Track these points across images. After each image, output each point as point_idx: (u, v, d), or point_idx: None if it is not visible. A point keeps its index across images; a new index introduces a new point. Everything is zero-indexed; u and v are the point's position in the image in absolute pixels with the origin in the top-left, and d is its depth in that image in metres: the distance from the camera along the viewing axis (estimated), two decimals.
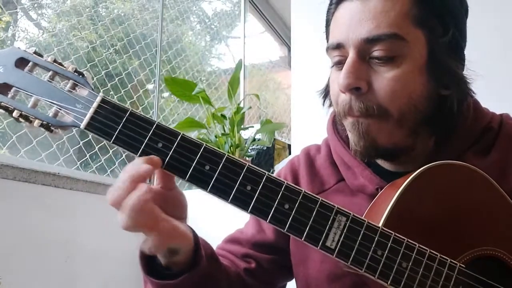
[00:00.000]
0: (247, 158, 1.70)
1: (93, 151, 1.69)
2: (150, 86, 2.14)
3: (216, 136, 1.65)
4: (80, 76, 0.53)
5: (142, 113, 0.52)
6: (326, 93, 0.71)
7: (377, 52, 0.57)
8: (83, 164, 1.62)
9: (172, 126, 1.73)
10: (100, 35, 1.91)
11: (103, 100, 0.52)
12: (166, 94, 2.28)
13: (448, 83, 0.60)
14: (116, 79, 1.88)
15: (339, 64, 0.62)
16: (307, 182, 0.73)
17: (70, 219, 1.41)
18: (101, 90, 1.79)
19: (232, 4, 3.07)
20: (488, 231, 0.54)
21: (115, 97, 1.87)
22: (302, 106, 1.62)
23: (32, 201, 1.29)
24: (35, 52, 0.54)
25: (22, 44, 1.69)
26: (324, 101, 0.72)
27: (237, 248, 0.76)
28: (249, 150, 1.84)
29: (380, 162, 0.68)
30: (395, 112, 0.58)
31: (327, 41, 0.70)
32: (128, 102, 1.93)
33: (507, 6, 1.31)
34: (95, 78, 1.77)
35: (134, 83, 1.98)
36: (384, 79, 0.57)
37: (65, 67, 0.54)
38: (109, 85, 1.84)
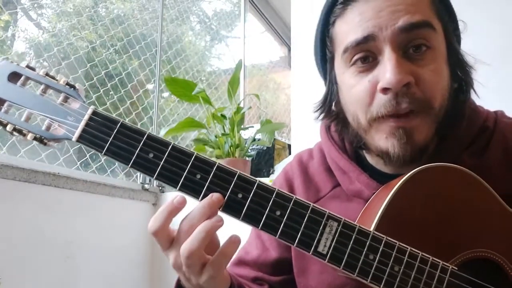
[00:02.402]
0: (247, 158, 1.70)
1: (93, 151, 1.69)
2: (150, 86, 2.14)
3: (216, 136, 1.65)
4: (72, 88, 0.54)
5: (133, 124, 0.53)
6: (326, 104, 0.68)
7: (415, 41, 0.56)
8: (83, 164, 1.62)
9: (172, 126, 1.72)
10: (100, 35, 1.91)
11: (94, 112, 0.53)
12: (166, 94, 2.28)
13: (461, 75, 0.62)
14: (116, 79, 1.88)
15: (365, 60, 0.58)
16: (303, 191, 0.72)
17: (70, 219, 1.41)
18: (101, 90, 1.79)
19: (232, 4, 3.07)
20: (481, 233, 0.54)
21: (115, 97, 1.87)
22: (302, 106, 1.62)
23: (32, 201, 1.29)
24: (27, 66, 0.55)
25: (22, 44, 1.69)
26: (321, 112, 0.69)
27: (247, 271, 0.75)
28: (249, 150, 1.84)
29: (377, 165, 0.67)
30: (437, 105, 0.58)
31: (323, 48, 0.66)
32: (128, 102, 1.93)
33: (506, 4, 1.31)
34: (95, 78, 1.77)
35: (134, 83, 1.98)
36: (428, 71, 0.56)
37: (57, 80, 0.55)
38: (109, 85, 1.84)
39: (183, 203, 0.51)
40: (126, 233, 1.60)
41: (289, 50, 3.11)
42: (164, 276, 1.70)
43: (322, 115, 0.70)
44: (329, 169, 0.72)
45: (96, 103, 1.76)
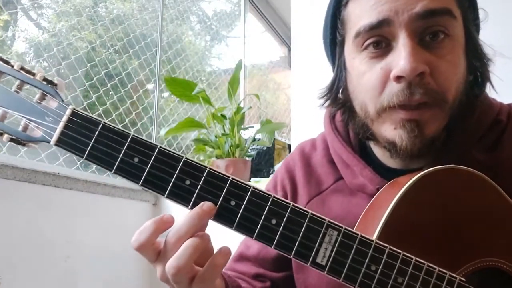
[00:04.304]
0: (247, 158, 1.70)
1: None
2: (150, 86, 2.14)
3: (216, 136, 1.65)
4: (49, 85, 0.49)
5: (116, 126, 0.49)
6: (332, 90, 0.65)
7: (433, 28, 0.52)
8: (83, 164, 1.62)
9: (172, 126, 1.71)
10: (100, 35, 1.90)
11: (72, 113, 0.48)
12: (166, 94, 2.28)
13: (478, 67, 0.58)
14: (116, 79, 1.88)
15: (377, 45, 0.55)
16: (304, 184, 0.70)
17: (70, 219, 1.41)
18: (101, 90, 1.79)
19: (232, 4, 3.07)
20: (491, 240, 0.51)
21: (115, 97, 1.87)
22: (302, 106, 1.62)
23: (32, 201, 1.29)
24: (0, 59, 0.50)
25: (22, 44, 1.69)
26: (327, 99, 0.66)
27: (247, 267, 0.73)
28: (249, 150, 1.84)
29: (383, 158, 0.65)
30: (451, 98, 0.54)
31: (334, 30, 0.63)
32: (128, 102, 1.93)
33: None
34: (95, 78, 1.77)
35: (134, 83, 1.98)
36: (444, 61, 0.53)
37: (33, 74, 0.50)
38: (109, 85, 1.84)
39: (171, 222, 0.48)
40: (126, 233, 1.59)
41: (289, 50, 3.11)
42: None
43: (328, 102, 0.66)
44: (332, 161, 0.69)
45: (96, 103, 1.76)
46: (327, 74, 0.73)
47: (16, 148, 1.34)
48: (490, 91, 0.63)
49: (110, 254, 1.55)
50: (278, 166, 1.87)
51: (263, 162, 1.93)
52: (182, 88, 1.65)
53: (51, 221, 1.34)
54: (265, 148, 1.92)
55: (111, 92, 1.85)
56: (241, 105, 1.79)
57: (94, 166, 1.66)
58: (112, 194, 1.60)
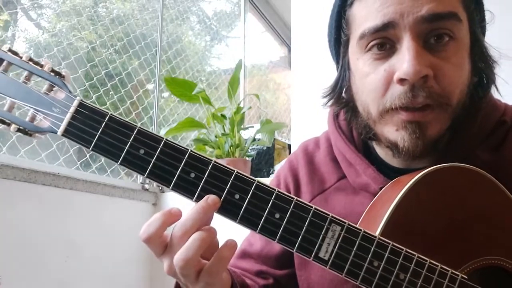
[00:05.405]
0: (247, 158, 1.70)
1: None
2: (150, 86, 2.14)
3: (216, 136, 1.65)
4: (57, 76, 0.50)
5: (123, 118, 0.49)
6: (336, 90, 0.65)
7: (438, 31, 0.52)
8: (83, 164, 1.62)
9: (172, 126, 1.71)
10: (100, 35, 1.90)
11: (80, 104, 0.49)
12: (166, 94, 2.28)
13: (483, 69, 0.58)
14: (116, 79, 1.88)
15: (382, 46, 0.55)
16: (307, 182, 0.70)
17: (70, 219, 1.41)
18: (101, 90, 1.79)
19: (232, 4, 3.07)
20: (494, 239, 0.51)
21: (115, 97, 1.87)
22: (302, 106, 1.62)
23: (32, 201, 1.29)
24: (9, 50, 0.50)
25: (22, 44, 1.69)
26: (330, 98, 0.66)
27: (250, 264, 0.73)
28: (249, 150, 1.84)
29: (386, 158, 0.65)
30: (455, 101, 0.54)
31: (338, 30, 0.63)
32: (128, 102, 1.93)
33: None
34: (95, 78, 1.77)
35: (134, 83, 1.98)
36: (449, 64, 0.53)
37: (41, 65, 0.50)
38: (109, 85, 1.84)
39: (179, 215, 0.49)
40: (126, 233, 1.60)
41: (289, 50, 3.10)
42: (164, 276, 1.69)
43: (331, 101, 0.66)
44: (335, 159, 0.69)
45: (96, 102, 1.76)
46: (327, 74, 0.73)
47: (16, 148, 1.34)
48: (495, 93, 0.62)
49: (110, 254, 1.55)
50: (278, 166, 1.87)
51: (263, 162, 1.93)
52: (182, 88, 1.65)
53: (51, 221, 1.34)
54: (265, 148, 1.92)
55: (111, 92, 1.85)
56: (241, 105, 1.79)
57: (94, 166, 1.66)
58: (112, 194, 1.60)
